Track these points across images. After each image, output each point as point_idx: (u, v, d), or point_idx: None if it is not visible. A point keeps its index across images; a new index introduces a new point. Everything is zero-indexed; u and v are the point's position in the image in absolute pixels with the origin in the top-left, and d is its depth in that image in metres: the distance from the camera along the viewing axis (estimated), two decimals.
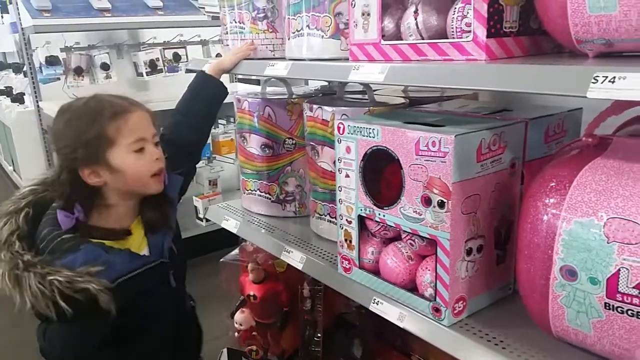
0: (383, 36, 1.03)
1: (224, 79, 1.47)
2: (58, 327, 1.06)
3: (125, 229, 1.16)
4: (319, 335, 1.62)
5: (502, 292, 1.06)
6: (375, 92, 1.42)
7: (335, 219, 1.18)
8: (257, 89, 1.74)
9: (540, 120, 1.03)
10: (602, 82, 0.66)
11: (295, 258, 1.34)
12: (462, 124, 0.96)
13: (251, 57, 1.44)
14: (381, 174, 1.09)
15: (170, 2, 3.38)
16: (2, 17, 4.31)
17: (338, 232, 1.18)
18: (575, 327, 0.81)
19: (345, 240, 1.17)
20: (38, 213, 1.11)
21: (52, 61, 3.02)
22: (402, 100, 1.38)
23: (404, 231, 1.02)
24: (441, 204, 0.92)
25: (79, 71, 3.13)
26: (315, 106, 1.32)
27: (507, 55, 0.89)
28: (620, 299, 0.74)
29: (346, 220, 1.15)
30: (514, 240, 0.92)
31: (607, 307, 0.76)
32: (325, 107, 1.29)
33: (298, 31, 1.25)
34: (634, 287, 0.72)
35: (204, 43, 3.36)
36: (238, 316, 1.76)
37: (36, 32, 2.96)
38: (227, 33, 1.51)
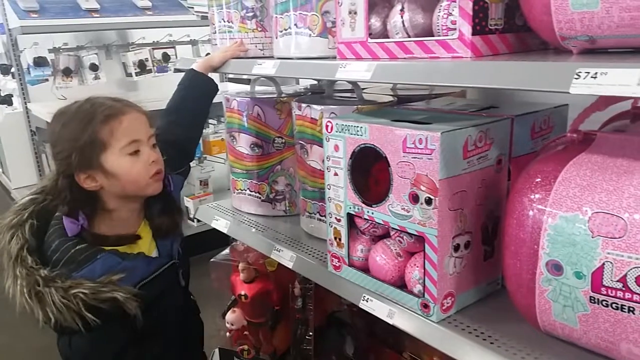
0: (370, 34, 1.04)
1: (215, 79, 1.47)
2: (83, 337, 1.03)
3: (134, 234, 1.15)
4: (310, 333, 1.63)
5: (490, 288, 1.07)
6: (363, 91, 1.42)
7: (325, 217, 1.19)
8: (248, 88, 1.74)
9: (526, 117, 1.04)
10: (584, 78, 0.67)
11: (285, 257, 1.34)
12: (449, 121, 0.97)
13: (240, 56, 1.43)
14: (369, 172, 1.10)
15: (159, 2, 3.36)
16: None
17: (327, 230, 1.18)
18: (561, 321, 0.82)
19: (335, 238, 1.17)
20: (42, 224, 1.09)
21: (40, 62, 3.00)
22: (390, 99, 1.39)
23: (393, 228, 1.02)
24: (428, 201, 0.92)
25: (67, 72, 3.11)
26: (304, 105, 1.33)
27: (493, 53, 0.89)
28: (605, 292, 0.75)
29: (335, 218, 1.15)
30: (501, 235, 0.92)
31: (592, 301, 0.77)
32: (314, 106, 1.30)
33: (286, 30, 1.25)
34: (617, 281, 0.73)
35: (193, 43, 3.36)
36: (229, 316, 1.76)
37: (23, 33, 2.94)
38: (215, 32, 1.51)
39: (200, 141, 3.08)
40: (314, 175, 1.35)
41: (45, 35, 3.00)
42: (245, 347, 1.76)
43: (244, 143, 1.57)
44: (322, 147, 1.15)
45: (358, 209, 1.08)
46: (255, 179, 1.59)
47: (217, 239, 1.82)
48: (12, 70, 3.16)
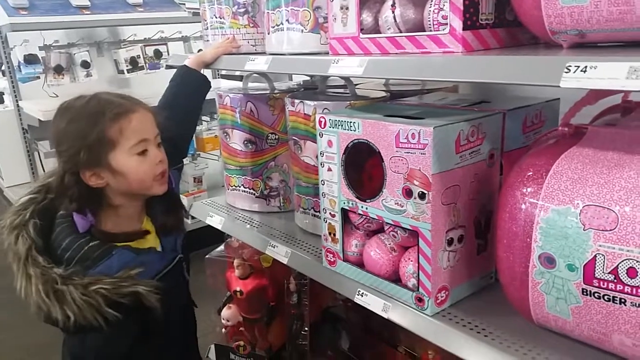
0: (362, 30, 1.04)
1: (207, 76, 1.47)
2: (99, 333, 1.02)
3: (143, 230, 1.15)
4: (306, 329, 1.63)
5: (484, 281, 1.07)
6: (356, 86, 1.42)
7: (319, 212, 1.19)
8: (240, 85, 1.74)
9: (518, 111, 1.04)
10: (574, 72, 0.67)
11: (280, 253, 1.35)
12: (441, 116, 0.97)
13: (232, 52, 1.43)
14: (363, 167, 1.10)
15: None
16: None
17: (322, 225, 1.19)
18: (555, 313, 0.83)
19: (329, 233, 1.17)
20: (46, 223, 1.08)
21: (31, 60, 2.98)
22: (383, 94, 1.39)
23: (387, 223, 1.03)
24: (422, 196, 0.93)
25: (59, 70, 3.09)
26: (297, 101, 1.32)
27: (484, 47, 0.90)
28: (597, 284, 0.76)
29: (330, 213, 1.15)
30: (494, 229, 0.93)
31: (585, 293, 0.77)
32: (307, 102, 1.30)
33: (277, 25, 1.25)
34: (609, 273, 0.74)
35: (185, 39, 3.35)
36: (225, 312, 1.76)
37: (13, 30, 2.91)
38: (207, 29, 1.50)
39: (194, 138, 3.10)
40: (308, 171, 1.35)
41: (36, 32, 2.98)
42: (241, 343, 1.76)
43: (237, 139, 1.57)
44: (315, 142, 1.15)
45: (352, 204, 1.08)
46: (249, 176, 1.59)
47: (211, 236, 1.82)
48: (3, 68, 3.14)
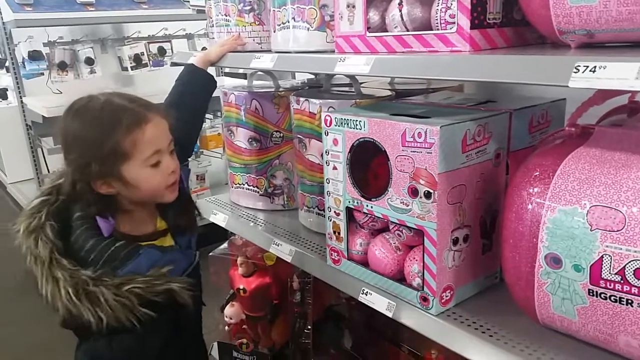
0: (368, 28, 1.04)
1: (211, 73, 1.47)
2: (129, 334, 1.01)
3: (161, 229, 1.14)
4: (309, 327, 1.63)
5: (489, 281, 1.07)
6: (361, 85, 1.42)
7: (324, 211, 1.19)
8: (245, 82, 1.74)
9: (524, 111, 1.04)
10: (583, 72, 0.67)
11: (284, 251, 1.35)
12: (448, 115, 0.97)
13: (238, 50, 1.43)
14: (368, 166, 1.10)
15: None
16: None
17: (326, 224, 1.19)
18: (560, 314, 0.83)
19: (334, 232, 1.17)
20: (62, 226, 1.05)
21: (35, 56, 2.98)
22: (389, 93, 1.39)
23: (392, 222, 1.03)
24: (427, 195, 0.93)
25: (62, 66, 3.09)
26: (302, 99, 1.32)
27: (491, 47, 0.89)
28: (604, 285, 0.75)
29: (334, 212, 1.15)
30: (500, 229, 0.93)
31: (591, 294, 0.77)
32: (312, 100, 1.30)
33: (283, 23, 1.25)
34: (616, 274, 0.74)
35: (189, 37, 3.35)
36: (228, 310, 1.76)
37: (18, 27, 2.91)
38: (213, 26, 1.50)
39: None
40: (313, 169, 1.35)
41: (40, 28, 2.98)
42: (244, 340, 1.77)
43: (242, 137, 1.56)
44: (320, 141, 1.15)
45: (357, 202, 1.08)
46: (254, 173, 1.59)
47: (215, 234, 1.82)
48: (7, 64, 3.14)
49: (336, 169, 1.11)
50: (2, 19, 3.00)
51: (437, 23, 0.92)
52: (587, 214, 0.76)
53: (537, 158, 0.86)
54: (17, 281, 2.89)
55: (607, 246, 0.74)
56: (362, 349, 1.60)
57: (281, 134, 1.54)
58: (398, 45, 0.98)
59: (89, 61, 3.14)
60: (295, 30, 1.23)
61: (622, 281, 0.73)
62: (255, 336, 1.77)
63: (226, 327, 1.82)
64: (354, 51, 1.07)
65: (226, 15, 1.43)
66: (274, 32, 1.30)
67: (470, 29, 0.86)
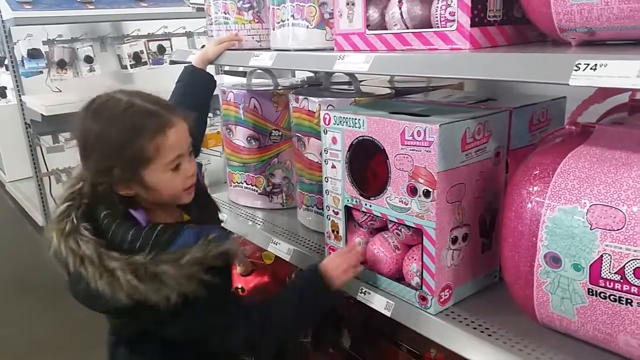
0: (368, 26, 1.03)
1: (210, 71, 1.46)
2: (201, 306, 0.98)
3: (185, 221, 1.12)
4: None
5: (488, 280, 1.07)
6: (361, 83, 1.42)
7: (323, 210, 1.18)
8: (244, 81, 1.73)
9: (524, 109, 1.03)
10: (584, 70, 0.66)
11: (282, 250, 1.34)
12: (447, 113, 0.96)
13: (236, 48, 1.42)
14: (367, 165, 1.09)
15: None
16: None
17: (325, 223, 1.18)
18: (559, 313, 0.82)
19: (333, 231, 1.17)
20: (93, 224, 1.02)
21: (34, 54, 2.97)
22: (388, 91, 1.38)
23: (391, 221, 1.02)
24: (427, 194, 0.92)
25: (62, 64, 3.09)
26: (301, 97, 1.32)
27: (491, 44, 0.89)
28: (603, 284, 0.75)
29: (333, 211, 1.15)
30: (499, 228, 0.92)
31: (590, 293, 0.77)
32: (311, 98, 1.29)
33: (283, 21, 1.24)
34: (616, 273, 0.73)
35: (188, 35, 3.34)
36: None
37: (17, 25, 2.91)
38: (212, 24, 1.49)
39: None
40: (311, 167, 1.34)
41: (39, 27, 2.97)
42: None
43: (240, 136, 1.56)
44: (319, 139, 1.14)
45: (356, 201, 1.08)
46: (252, 172, 1.58)
47: None
48: (6, 62, 3.13)
49: (335, 167, 1.10)
50: (1, 17, 3.00)
51: (437, 21, 0.91)
52: (587, 213, 0.76)
53: (537, 157, 0.86)
54: (17, 281, 2.89)
55: (606, 245, 0.74)
56: (361, 348, 1.60)
57: (280, 133, 1.53)
58: (398, 43, 0.97)
59: (89, 59, 3.13)
60: (295, 28, 1.22)
61: (621, 280, 0.73)
62: None
63: None
64: (353, 49, 1.06)
65: (225, 13, 1.43)
66: (273, 30, 1.29)
67: (471, 26, 0.86)
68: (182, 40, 3.35)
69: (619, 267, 0.73)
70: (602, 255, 0.74)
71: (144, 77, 3.28)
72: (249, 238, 1.51)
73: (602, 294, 0.76)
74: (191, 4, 3.07)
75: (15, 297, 2.80)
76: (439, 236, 0.94)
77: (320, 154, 1.16)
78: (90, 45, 3.15)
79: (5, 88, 4.13)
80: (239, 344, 1.05)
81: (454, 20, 0.87)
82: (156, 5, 3.26)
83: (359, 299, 1.10)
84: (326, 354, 1.66)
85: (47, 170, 3.29)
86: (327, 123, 1.09)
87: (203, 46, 1.51)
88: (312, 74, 1.91)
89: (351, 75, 1.36)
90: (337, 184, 1.11)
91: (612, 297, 0.75)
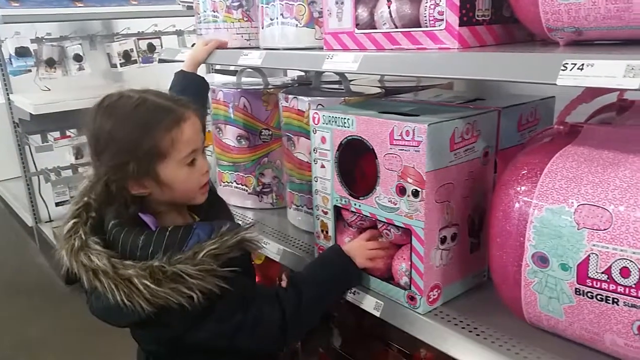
0: (357, 25, 1.03)
1: (201, 70, 1.45)
2: (223, 303, 0.95)
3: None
4: None
5: (477, 280, 1.07)
6: (351, 83, 1.41)
7: (312, 210, 1.18)
8: (234, 79, 1.72)
9: (513, 109, 1.04)
10: (571, 70, 0.66)
11: (272, 250, 1.34)
12: (436, 113, 0.96)
13: (225, 47, 1.42)
14: (357, 164, 1.09)
15: None
16: None
17: (315, 223, 1.18)
18: (547, 312, 0.83)
19: (322, 230, 1.16)
20: (102, 237, 1.00)
21: (22, 52, 2.95)
22: (378, 90, 1.38)
23: (380, 221, 1.02)
24: (415, 193, 0.92)
25: (51, 63, 3.06)
26: (290, 96, 1.31)
27: (480, 44, 0.89)
28: (590, 284, 0.75)
29: (322, 210, 1.14)
30: (487, 228, 0.92)
31: (578, 293, 0.77)
32: (301, 97, 1.29)
33: (272, 20, 1.24)
34: (602, 272, 0.74)
35: (179, 33, 3.32)
36: None
37: (5, 23, 2.87)
38: (200, 22, 1.48)
39: None
40: (301, 167, 1.34)
41: (27, 24, 2.94)
42: None
43: (230, 135, 1.55)
44: (309, 139, 1.14)
45: (345, 201, 1.08)
46: (242, 172, 1.57)
47: None
48: None
49: (324, 167, 1.10)
50: None
51: (425, 20, 0.91)
52: (574, 212, 0.76)
53: (525, 156, 0.86)
54: (5, 281, 2.86)
55: (594, 245, 0.74)
56: (351, 348, 1.59)
57: (270, 132, 1.53)
58: (387, 42, 0.97)
59: (78, 58, 3.11)
60: (284, 26, 1.21)
61: (608, 280, 0.73)
62: None
63: None
64: (342, 48, 1.06)
65: (214, 11, 1.42)
66: (262, 28, 1.29)
67: (459, 26, 0.86)
68: (173, 38, 3.33)
69: (605, 267, 0.73)
70: (589, 255, 0.74)
71: (133, 76, 3.25)
72: None
73: (589, 294, 0.76)
74: (181, 2, 3.05)
75: (4, 298, 2.78)
76: (428, 236, 0.93)
77: (310, 153, 1.15)
78: (80, 44, 3.12)
79: None
80: (273, 331, 1.01)
81: (442, 20, 0.87)
82: (146, 4, 3.25)
83: (348, 299, 1.10)
84: (316, 354, 1.66)
85: (36, 169, 3.26)
86: (316, 122, 1.09)
87: (194, 44, 1.50)
88: (302, 73, 1.90)
89: (341, 74, 1.35)
90: (327, 184, 1.11)
91: (599, 297, 0.75)
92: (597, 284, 0.74)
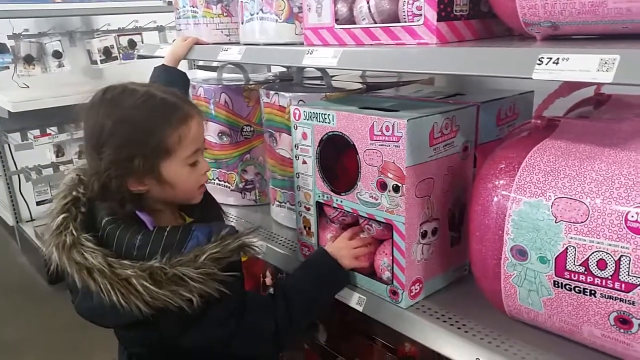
0: (337, 20, 1.02)
1: (183, 66, 1.44)
2: (222, 304, 0.93)
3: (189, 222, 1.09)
4: None
5: (458, 273, 1.07)
6: (333, 78, 1.41)
7: (295, 206, 1.18)
8: (215, 75, 1.71)
9: (492, 104, 1.04)
10: (546, 64, 0.67)
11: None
12: (416, 108, 0.96)
13: (205, 42, 1.40)
14: (338, 160, 1.09)
15: None
16: None
17: (297, 219, 1.17)
18: (527, 305, 0.83)
19: (305, 227, 1.16)
20: (94, 234, 0.97)
21: None
22: (360, 86, 1.38)
23: (361, 216, 1.02)
24: (396, 189, 0.92)
25: (29, 59, 3.00)
26: (272, 92, 1.31)
27: (458, 39, 0.89)
28: (568, 276, 0.76)
29: (305, 207, 1.14)
30: (467, 222, 0.93)
31: (556, 285, 0.78)
32: (282, 93, 1.28)
33: (251, 15, 1.23)
34: (580, 265, 0.74)
35: (160, 29, 3.28)
36: None
37: None
38: (180, 17, 1.47)
39: None
40: (284, 163, 1.33)
41: (4, 20, 2.88)
42: None
43: (211, 132, 1.54)
44: (291, 135, 1.13)
45: (327, 197, 1.07)
46: (224, 168, 1.56)
47: None
48: None
49: (306, 163, 1.09)
50: None
51: (404, 15, 0.91)
52: (551, 206, 0.76)
53: (503, 150, 0.86)
54: None
55: (571, 238, 0.75)
56: (336, 344, 1.60)
57: (252, 128, 1.52)
58: (366, 37, 0.97)
59: (57, 54, 3.05)
60: (264, 22, 1.21)
61: (585, 272, 0.74)
62: None
63: None
64: (322, 43, 1.06)
65: (193, 7, 1.40)
66: (242, 23, 1.27)
67: (437, 21, 0.86)
68: (154, 34, 3.28)
69: (583, 259, 0.74)
70: (567, 248, 0.75)
71: (114, 73, 3.20)
72: None
73: (567, 286, 0.77)
74: None
75: None
76: (409, 231, 0.94)
77: (292, 149, 1.15)
78: (59, 40, 3.06)
79: None
80: (268, 338, 1.00)
81: (420, 15, 0.87)
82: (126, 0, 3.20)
83: None
84: (301, 350, 1.66)
85: (16, 168, 3.21)
86: (297, 118, 1.08)
87: (174, 40, 1.49)
88: (284, 69, 1.89)
89: (322, 70, 1.35)
90: (308, 180, 1.10)
91: (576, 289, 0.76)
92: (574, 276, 0.75)
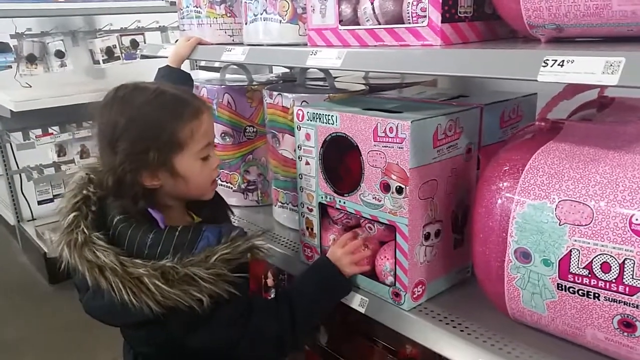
0: (341, 21, 1.02)
1: (185, 67, 1.44)
2: (229, 307, 0.93)
3: (198, 222, 1.09)
4: None
5: (461, 275, 1.07)
6: (336, 79, 1.41)
7: (297, 207, 1.18)
8: (218, 76, 1.71)
9: (496, 106, 1.04)
10: (551, 66, 0.67)
11: None
12: (420, 110, 0.96)
13: (208, 42, 1.40)
14: (342, 161, 1.09)
15: None
16: None
17: (300, 220, 1.17)
18: (530, 308, 0.83)
19: (307, 228, 1.16)
20: (105, 232, 0.98)
21: (1, 48, 2.88)
22: (362, 87, 1.38)
23: (364, 218, 1.02)
24: (399, 190, 0.92)
25: (31, 59, 3.00)
26: (275, 93, 1.31)
27: (462, 41, 0.89)
28: (572, 279, 0.76)
29: (307, 208, 1.14)
30: (470, 224, 0.93)
31: (560, 288, 0.78)
32: (285, 94, 1.28)
33: (255, 16, 1.23)
34: (584, 268, 0.74)
35: (162, 29, 3.28)
36: None
37: None
38: (183, 18, 1.47)
39: None
40: (286, 164, 1.33)
41: (7, 19, 2.88)
42: None
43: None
44: (293, 136, 1.13)
45: (330, 198, 1.07)
46: (227, 169, 1.56)
47: None
48: None
49: (309, 164, 1.09)
50: None
51: (408, 16, 0.91)
52: (555, 208, 0.76)
53: (507, 153, 0.86)
54: None
55: (575, 240, 0.74)
56: (337, 345, 1.59)
57: (255, 129, 1.52)
58: (370, 38, 0.97)
59: (60, 54, 3.05)
60: (267, 22, 1.21)
61: (589, 275, 0.74)
62: None
63: None
64: (326, 44, 1.06)
65: (197, 7, 1.40)
66: (246, 24, 1.27)
67: (442, 22, 0.86)
68: (156, 34, 3.28)
69: (587, 262, 0.74)
70: (570, 251, 0.75)
71: (116, 72, 3.21)
72: None
73: (571, 289, 0.76)
74: None
75: None
76: (412, 232, 0.94)
77: (295, 150, 1.15)
78: (62, 40, 3.06)
79: None
80: (272, 341, 1.00)
81: (425, 16, 0.87)
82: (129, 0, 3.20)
83: None
84: (302, 351, 1.66)
85: (18, 167, 3.21)
86: (300, 119, 1.08)
87: (177, 41, 1.49)
88: (287, 70, 1.89)
89: (325, 71, 1.35)
90: (311, 181, 1.10)
91: (580, 292, 0.76)
92: (578, 279, 0.75)
